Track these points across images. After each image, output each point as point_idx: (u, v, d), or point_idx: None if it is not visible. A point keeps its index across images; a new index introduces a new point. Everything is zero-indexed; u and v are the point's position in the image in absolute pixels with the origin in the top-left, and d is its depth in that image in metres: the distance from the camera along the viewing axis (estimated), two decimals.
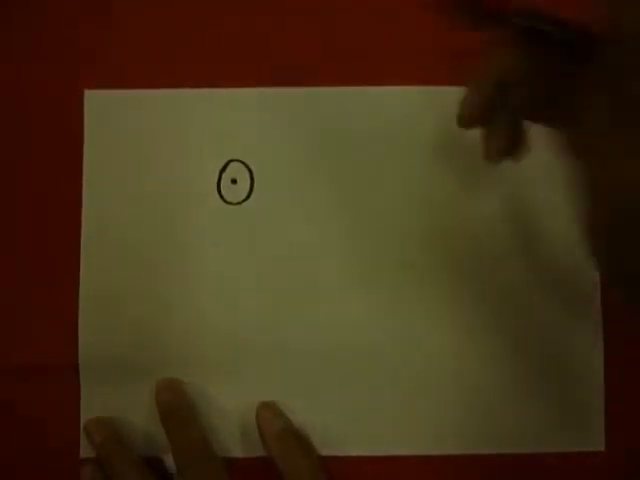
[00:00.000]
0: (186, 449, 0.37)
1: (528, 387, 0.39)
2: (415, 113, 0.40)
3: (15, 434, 0.39)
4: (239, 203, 0.40)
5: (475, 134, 0.31)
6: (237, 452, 0.39)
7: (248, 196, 0.40)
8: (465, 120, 0.29)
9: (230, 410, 0.39)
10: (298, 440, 0.38)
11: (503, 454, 0.39)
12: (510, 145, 0.29)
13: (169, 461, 0.37)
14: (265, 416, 0.38)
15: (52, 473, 0.39)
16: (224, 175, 0.40)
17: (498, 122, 0.29)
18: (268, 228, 0.40)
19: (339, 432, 0.39)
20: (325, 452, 0.39)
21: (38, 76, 0.40)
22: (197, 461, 0.37)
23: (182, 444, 0.37)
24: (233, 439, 0.39)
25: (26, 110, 0.40)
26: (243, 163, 0.40)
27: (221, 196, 0.40)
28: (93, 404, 0.39)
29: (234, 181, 0.40)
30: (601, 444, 0.39)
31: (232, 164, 0.40)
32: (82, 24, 0.41)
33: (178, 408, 0.38)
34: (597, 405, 0.39)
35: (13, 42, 0.41)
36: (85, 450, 0.39)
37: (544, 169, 0.38)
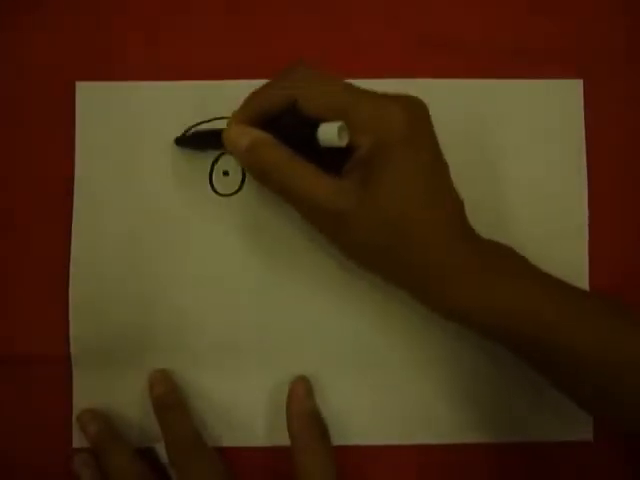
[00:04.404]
0: (179, 440, 0.37)
1: (519, 379, 0.39)
2: None
3: (7, 424, 0.39)
4: (231, 195, 0.40)
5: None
6: (229, 442, 0.39)
7: (240, 188, 0.40)
8: None
9: (222, 401, 0.39)
10: (321, 426, 0.38)
11: (496, 443, 0.40)
12: None
13: (161, 451, 0.37)
14: (298, 393, 0.38)
15: (44, 463, 0.39)
16: (216, 167, 0.40)
17: None
18: (259, 220, 0.40)
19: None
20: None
21: (30, 68, 0.40)
22: (190, 452, 0.37)
23: (175, 436, 0.37)
24: (225, 429, 0.39)
25: (18, 102, 0.40)
26: None
27: (213, 188, 0.40)
28: (85, 395, 0.39)
29: (226, 173, 0.40)
30: (589, 434, 0.40)
31: (224, 156, 0.40)
32: (75, 16, 0.41)
33: (171, 400, 0.38)
34: None
35: (7, 36, 0.40)
36: (78, 440, 0.39)
37: None
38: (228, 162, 0.40)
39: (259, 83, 0.40)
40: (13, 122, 0.40)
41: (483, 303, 0.32)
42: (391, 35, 0.41)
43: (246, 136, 0.34)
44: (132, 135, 0.40)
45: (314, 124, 0.32)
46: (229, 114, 0.40)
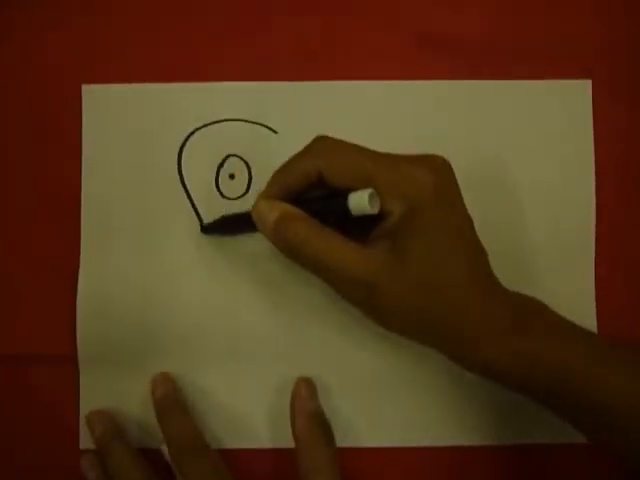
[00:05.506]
0: (180, 442, 0.37)
1: None
2: (415, 107, 0.40)
3: (14, 425, 0.40)
4: (237, 198, 0.40)
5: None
6: (232, 444, 0.39)
7: (246, 191, 0.40)
8: None
9: (225, 403, 0.40)
10: (325, 427, 0.38)
11: (499, 446, 0.40)
12: None
13: (167, 453, 0.38)
14: (301, 394, 0.39)
15: (51, 464, 0.39)
16: (222, 170, 0.40)
17: None
18: None
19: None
20: None
21: (36, 71, 0.40)
22: (191, 454, 0.37)
23: (176, 437, 0.37)
24: (228, 431, 0.39)
25: (24, 105, 0.40)
26: (241, 158, 0.40)
27: (219, 191, 0.40)
28: (92, 396, 0.39)
29: (232, 176, 0.40)
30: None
31: (230, 159, 0.40)
32: (78, 18, 0.40)
33: (172, 402, 0.38)
34: None
35: (12, 38, 0.40)
36: (84, 441, 0.39)
37: None
38: (234, 165, 0.40)
39: (261, 84, 0.40)
40: (20, 125, 0.40)
41: (517, 362, 0.32)
42: (391, 35, 0.41)
43: (275, 210, 0.33)
44: (139, 136, 0.40)
45: (343, 194, 0.32)
46: (233, 116, 0.40)
